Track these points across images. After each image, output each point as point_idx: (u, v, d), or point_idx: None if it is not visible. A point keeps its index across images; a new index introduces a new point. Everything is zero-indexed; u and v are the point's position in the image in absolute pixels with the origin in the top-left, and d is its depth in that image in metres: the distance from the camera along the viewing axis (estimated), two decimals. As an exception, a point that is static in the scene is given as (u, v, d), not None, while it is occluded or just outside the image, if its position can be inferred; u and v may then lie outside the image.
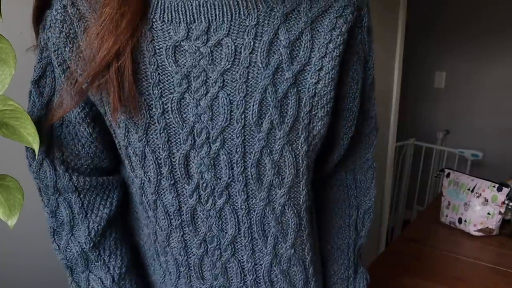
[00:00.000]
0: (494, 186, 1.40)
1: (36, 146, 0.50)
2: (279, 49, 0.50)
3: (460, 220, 1.47)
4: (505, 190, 1.39)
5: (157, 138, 0.51)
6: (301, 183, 0.56)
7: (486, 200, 1.41)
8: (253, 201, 0.54)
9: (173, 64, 0.50)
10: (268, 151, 0.52)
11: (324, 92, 0.52)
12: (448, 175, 1.56)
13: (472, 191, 1.45)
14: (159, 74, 0.50)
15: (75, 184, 0.59)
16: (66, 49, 0.51)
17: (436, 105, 3.18)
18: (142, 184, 0.55)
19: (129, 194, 0.65)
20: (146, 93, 0.50)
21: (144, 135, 0.51)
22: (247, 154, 0.51)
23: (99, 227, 0.60)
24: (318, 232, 0.70)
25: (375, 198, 0.69)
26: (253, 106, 0.50)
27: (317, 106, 0.53)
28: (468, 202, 1.45)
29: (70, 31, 0.51)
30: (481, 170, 2.82)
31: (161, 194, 0.54)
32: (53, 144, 0.58)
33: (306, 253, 0.60)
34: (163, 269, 0.60)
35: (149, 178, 0.54)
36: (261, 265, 0.57)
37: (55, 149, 0.58)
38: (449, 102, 3.12)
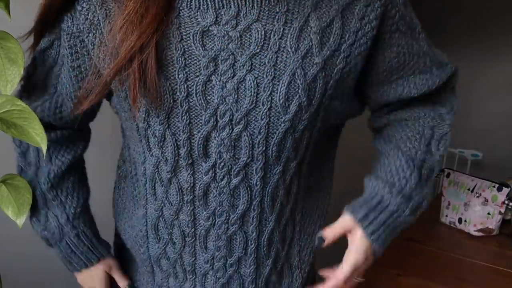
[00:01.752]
0: (494, 186, 1.41)
1: (44, 146, 0.51)
2: (309, 35, 0.51)
3: (460, 220, 1.47)
4: (505, 190, 1.39)
5: (178, 121, 0.53)
6: (309, 153, 0.60)
7: (486, 200, 1.41)
8: (269, 175, 0.56)
9: (201, 48, 0.51)
10: (292, 131, 0.54)
11: (347, 75, 0.56)
12: (448, 175, 1.57)
13: (472, 191, 1.45)
14: (185, 59, 0.51)
15: (48, 138, 0.63)
16: (90, 35, 0.53)
17: (436, 105, 3.17)
18: (157, 163, 0.57)
19: (124, 177, 0.69)
20: (172, 77, 0.51)
21: (166, 119, 0.53)
22: (270, 134, 0.53)
23: (58, 171, 0.68)
24: (383, 143, 0.66)
25: (452, 127, 0.65)
26: (280, 88, 0.51)
27: (340, 88, 0.56)
28: (468, 202, 1.45)
29: (94, 18, 0.52)
30: (481, 170, 2.83)
31: (177, 172, 0.57)
32: (36, 106, 0.63)
33: (296, 213, 0.65)
34: (165, 240, 0.62)
35: (166, 158, 0.56)
36: (263, 232, 0.60)
37: (38, 109, 0.63)
38: (449, 102, 3.12)
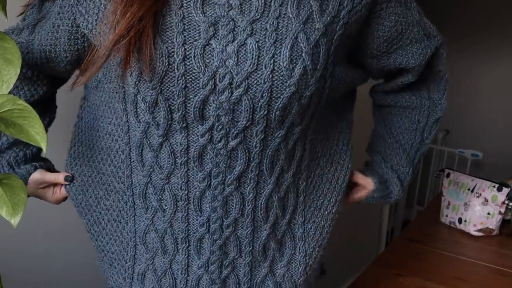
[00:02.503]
0: (494, 186, 1.40)
1: (44, 145, 0.51)
2: (309, 2, 0.53)
3: (460, 220, 1.47)
4: (505, 190, 1.39)
5: (173, 86, 0.53)
6: (314, 119, 0.61)
7: (486, 200, 1.41)
8: (270, 139, 0.57)
9: (201, 15, 0.52)
10: (298, 96, 0.54)
11: (345, 41, 0.57)
12: (448, 175, 1.56)
13: (472, 191, 1.45)
14: (184, 24, 0.52)
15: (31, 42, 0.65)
16: (95, 10, 0.55)
17: (436, 105, 3.17)
18: (146, 128, 0.57)
19: (99, 147, 0.67)
20: (169, 41, 0.52)
21: (159, 84, 0.53)
22: (273, 98, 0.53)
23: (37, 94, 0.68)
24: (383, 127, 0.78)
25: (445, 110, 0.76)
26: (284, 51, 0.51)
27: (339, 53, 0.57)
28: (468, 202, 1.45)
29: None
30: (481, 170, 2.82)
31: (169, 136, 0.56)
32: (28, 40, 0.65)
33: (301, 182, 0.65)
34: (153, 209, 0.62)
35: (158, 123, 0.55)
36: (261, 194, 0.60)
37: (25, 45, 0.64)
38: (449, 102, 3.11)
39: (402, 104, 0.75)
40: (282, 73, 0.52)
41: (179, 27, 0.52)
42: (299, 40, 0.52)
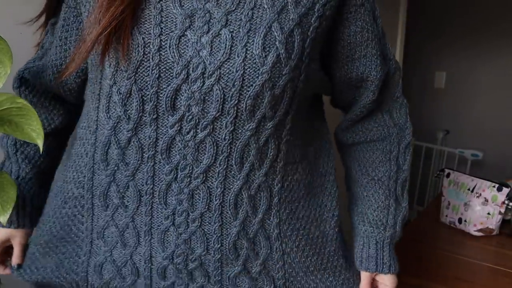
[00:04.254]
0: (494, 186, 1.40)
1: (40, 142, 0.51)
2: None
3: (460, 220, 1.47)
4: (505, 190, 1.39)
5: (147, 75, 0.54)
6: (289, 117, 0.60)
7: (486, 200, 1.41)
8: (240, 131, 0.56)
9: (178, 8, 0.53)
10: (271, 85, 0.54)
11: (320, 37, 0.58)
12: (448, 175, 1.56)
13: (472, 191, 1.45)
14: (162, 16, 0.53)
15: (40, 75, 0.70)
16: (87, 5, 0.58)
17: (436, 105, 3.18)
18: (116, 124, 0.58)
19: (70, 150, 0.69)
20: (146, 32, 0.53)
21: (133, 73, 0.54)
22: (244, 87, 0.54)
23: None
24: (357, 166, 0.75)
25: (412, 133, 0.73)
26: (256, 39, 0.53)
27: (315, 48, 0.58)
28: (468, 202, 1.45)
29: None
30: (481, 170, 2.82)
31: (138, 130, 0.57)
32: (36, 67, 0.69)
33: (275, 183, 0.63)
34: (113, 206, 0.62)
35: (129, 116, 0.56)
36: (229, 189, 0.59)
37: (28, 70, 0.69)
38: (449, 102, 3.12)
39: (371, 138, 0.73)
40: (254, 60, 0.53)
41: (157, 19, 0.53)
42: (273, 29, 0.53)
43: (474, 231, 1.44)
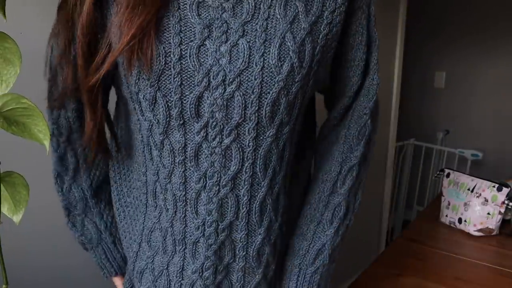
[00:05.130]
0: (494, 186, 1.40)
1: (47, 143, 0.51)
2: (294, 3, 0.56)
3: (460, 220, 1.47)
4: (505, 190, 1.39)
5: (170, 83, 0.55)
6: (299, 121, 0.64)
7: (486, 200, 1.41)
8: (261, 138, 0.58)
9: (196, 17, 0.55)
10: (286, 92, 0.57)
11: (330, 43, 0.60)
12: (448, 175, 1.57)
13: (472, 191, 1.45)
14: (180, 25, 0.55)
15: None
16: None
17: (436, 105, 3.18)
18: (150, 126, 0.60)
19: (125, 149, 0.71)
20: (166, 42, 0.55)
21: (156, 81, 0.56)
22: (263, 94, 0.56)
23: (99, 179, 0.74)
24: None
25: (363, 159, 0.67)
26: (272, 50, 0.55)
27: (324, 54, 0.60)
28: (468, 202, 1.45)
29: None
30: (481, 170, 2.83)
31: (169, 134, 0.59)
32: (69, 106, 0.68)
33: (287, 183, 0.67)
34: (160, 207, 0.64)
35: (158, 120, 0.58)
36: (255, 197, 0.61)
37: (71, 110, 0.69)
38: (449, 102, 3.12)
39: (320, 151, 0.72)
40: (271, 70, 0.55)
41: (176, 28, 0.55)
42: (286, 40, 0.55)
43: (474, 231, 1.44)
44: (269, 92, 0.56)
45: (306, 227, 0.69)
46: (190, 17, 0.55)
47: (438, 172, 1.65)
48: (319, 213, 0.68)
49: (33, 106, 0.51)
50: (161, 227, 0.64)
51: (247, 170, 0.59)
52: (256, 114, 0.56)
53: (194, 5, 0.55)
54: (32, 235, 0.97)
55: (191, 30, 0.55)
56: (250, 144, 0.58)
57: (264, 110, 0.56)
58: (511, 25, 2.79)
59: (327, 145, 0.71)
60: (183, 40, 0.54)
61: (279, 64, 0.55)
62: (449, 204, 1.52)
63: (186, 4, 0.55)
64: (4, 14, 0.51)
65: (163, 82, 0.55)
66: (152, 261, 0.66)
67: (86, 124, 0.62)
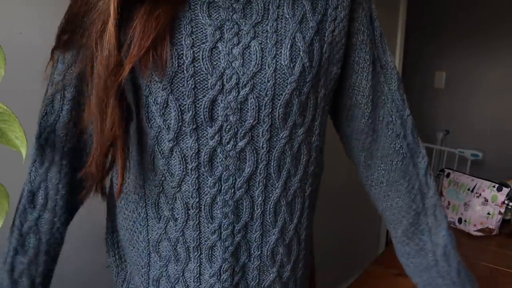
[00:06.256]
0: (494, 186, 1.41)
1: (23, 150, 0.50)
2: (301, 2, 0.56)
3: (460, 220, 1.47)
4: (505, 190, 1.39)
5: (182, 86, 0.54)
6: (316, 123, 0.63)
7: (486, 200, 1.41)
8: (275, 139, 0.58)
9: (207, 18, 0.54)
10: (298, 93, 0.57)
11: (338, 39, 0.60)
12: (448, 175, 1.57)
13: (472, 191, 1.45)
14: (192, 26, 0.54)
15: (61, 178, 0.65)
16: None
17: (436, 105, 3.18)
18: (157, 134, 0.58)
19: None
20: (178, 43, 0.54)
21: (169, 84, 0.54)
22: (276, 96, 0.56)
23: (58, 238, 0.66)
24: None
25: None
26: (284, 51, 0.55)
27: (333, 52, 0.60)
28: (468, 202, 1.45)
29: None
30: (481, 170, 2.83)
31: (180, 140, 0.57)
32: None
33: (307, 187, 0.65)
34: (165, 218, 0.62)
35: (169, 126, 0.56)
36: (269, 198, 0.61)
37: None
38: (449, 102, 3.12)
39: (392, 179, 0.70)
40: (283, 71, 0.55)
41: (187, 29, 0.54)
42: (297, 40, 0.55)
43: (474, 231, 1.44)
44: (282, 94, 0.55)
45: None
46: (201, 17, 0.54)
47: (438, 172, 1.65)
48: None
49: (8, 110, 0.49)
50: (169, 237, 0.62)
51: (261, 172, 0.59)
52: (270, 116, 0.56)
53: (204, 5, 0.54)
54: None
55: (202, 31, 0.54)
56: (264, 146, 0.57)
57: (277, 112, 0.56)
58: (511, 25, 2.79)
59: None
60: (195, 42, 0.54)
61: (291, 65, 0.55)
62: (449, 204, 1.52)
63: (196, 4, 0.54)
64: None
65: (176, 85, 0.54)
66: (166, 269, 0.65)
67: (119, 156, 0.57)
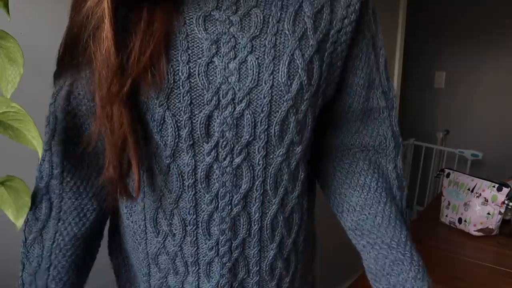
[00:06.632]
0: (494, 186, 1.41)
1: (40, 150, 0.50)
2: (303, 19, 0.55)
3: (460, 220, 1.48)
4: (505, 190, 1.39)
5: (179, 102, 0.54)
6: (312, 139, 0.62)
7: (486, 200, 1.41)
8: (271, 157, 0.57)
9: (203, 32, 0.53)
10: (295, 110, 0.56)
11: (336, 61, 0.59)
12: (448, 175, 1.57)
13: (472, 191, 1.45)
14: (188, 41, 0.53)
15: (63, 187, 0.63)
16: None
17: (436, 105, 3.18)
18: (155, 150, 0.58)
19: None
20: (174, 59, 0.53)
21: (165, 100, 0.54)
22: (272, 112, 0.55)
23: (62, 242, 0.64)
24: None
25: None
26: (282, 67, 0.54)
27: (331, 73, 0.59)
28: (468, 202, 1.45)
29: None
30: (481, 170, 2.83)
31: (177, 157, 0.57)
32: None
33: (304, 202, 0.65)
34: (164, 233, 0.62)
35: (166, 142, 0.56)
36: (266, 214, 0.60)
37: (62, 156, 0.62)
38: (449, 102, 3.12)
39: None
40: (280, 88, 0.54)
41: (184, 45, 0.53)
42: (295, 57, 0.54)
43: (474, 231, 1.44)
44: (278, 111, 0.55)
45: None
46: (197, 32, 0.53)
47: (438, 172, 1.65)
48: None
49: (22, 111, 0.50)
50: (168, 251, 0.63)
51: (257, 188, 0.58)
52: (266, 133, 0.55)
53: (200, 19, 0.53)
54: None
55: (198, 46, 0.53)
56: (260, 162, 0.57)
57: (273, 129, 0.55)
58: (511, 26, 2.79)
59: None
60: (191, 58, 0.53)
61: (289, 82, 0.54)
62: (449, 204, 1.53)
63: (192, 18, 0.53)
64: (8, 12, 0.51)
65: (172, 101, 0.54)
66: (166, 280, 0.65)
67: (133, 167, 0.56)
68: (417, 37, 3.06)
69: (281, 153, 0.57)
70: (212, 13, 0.53)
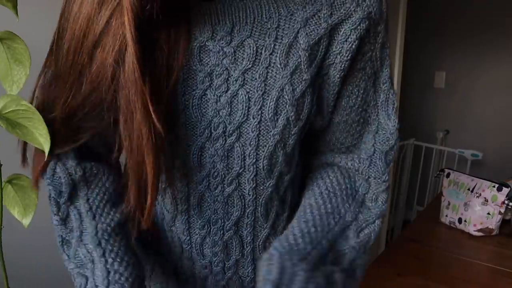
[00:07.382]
0: (494, 186, 1.41)
1: (47, 148, 0.51)
2: (298, 52, 0.52)
3: (460, 220, 1.48)
4: (505, 190, 1.39)
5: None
6: (298, 167, 0.63)
7: (486, 200, 1.41)
8: (261, 188, 0.58)
9: (198, 63, 0.53)
10: (282, 145, 0.55)
11: (327, 95, 0.57)
12: (448, 175, 1.57)
13: (472, 191, 1.45)
14: (183, 73, 0.53)
15: (87, 175, 0.58)
16: None
17: (436, 105, 3.18)
18: None
19: None
20: (172, 89, 0.53)
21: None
22: (260, 147, 0.55)
23: (108, 227, 0.57)
24: None
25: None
26: (269, 103, 0.53)
27: (321, 106, 0.57)
28: (468, 202, 1.45)
29: None
30: (481, 170, 2.83)
31: (171, 183, 0.58)
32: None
33: (291, 219, 0.65)
34: (167, 244, 0.65)
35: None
36: (258, 237, 0.62)
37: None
38: (449, 102, 3.12)
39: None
40: (267, 123, 0.53)
41: (180, 77, 0.53)
42: (285, 92, 0.52)
43: (474, 231, 1.44)
44: (265, 145, 0.55)
45: None
46: (192, 64, 0.53)
47: (438, 172, 1.65)
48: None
49: (32, 108, 0.50)
50: (171, 260, 0.66)
51: (248, 215, 0.59)
52: (255, 166, 0.56)
53: (195, 49, 0.52)
54: (34, 234, 0.97)
55: (193, 78, 0.53)
56: (250, 193, 0.58)
57: (262, 163, 0.55)
58: (511, 25, 2.79)
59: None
60: (186, 90, 0.53)
61: (275, 118, 0.53)
62: (449, 204, 1.53)
63: (188, 48, 0.52)
64: (16, 13, 0.51)
65: (170, 132, 0.54)
66: (167, 285, 0.68)
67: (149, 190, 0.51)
68: (417, 36, 3.06)
69: (270, 184, 0.58)
70: (207, 43, 0.52)
